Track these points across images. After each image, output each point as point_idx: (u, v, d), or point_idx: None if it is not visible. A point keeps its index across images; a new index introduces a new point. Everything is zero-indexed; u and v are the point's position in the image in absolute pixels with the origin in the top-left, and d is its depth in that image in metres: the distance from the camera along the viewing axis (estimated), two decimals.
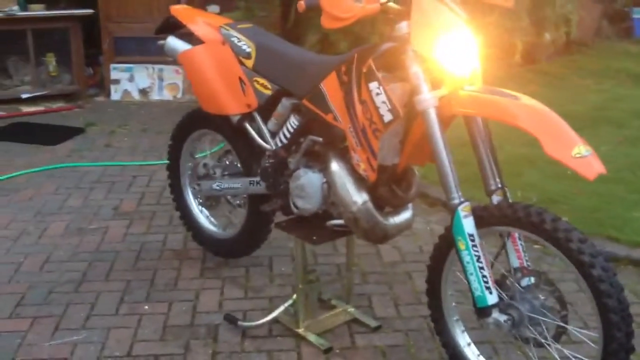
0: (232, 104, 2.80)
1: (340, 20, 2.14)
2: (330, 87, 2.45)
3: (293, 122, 2.66)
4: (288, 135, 2.69)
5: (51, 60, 6.29)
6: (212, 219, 3.31)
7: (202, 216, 3.30)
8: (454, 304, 2.43)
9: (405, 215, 2.55)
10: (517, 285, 2.22)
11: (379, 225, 2.44)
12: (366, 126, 2.30)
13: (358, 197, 2.41)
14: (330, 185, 2.50)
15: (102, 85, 6.63)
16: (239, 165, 3.00)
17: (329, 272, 3.21)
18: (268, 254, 3.35)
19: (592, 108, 5.69)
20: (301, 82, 2.58)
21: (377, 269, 3.25)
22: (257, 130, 2.82)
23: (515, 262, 2.26)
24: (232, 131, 2.90)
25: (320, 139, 2.52)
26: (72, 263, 3.31)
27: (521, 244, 2.26)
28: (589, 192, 3.93)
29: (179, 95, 6.45)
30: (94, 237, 3.58)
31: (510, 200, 2.27)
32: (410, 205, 2.57)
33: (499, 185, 2.28)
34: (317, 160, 2.60)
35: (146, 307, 2.92)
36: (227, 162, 3.11)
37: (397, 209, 2.55)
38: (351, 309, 2.85)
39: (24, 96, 6.14)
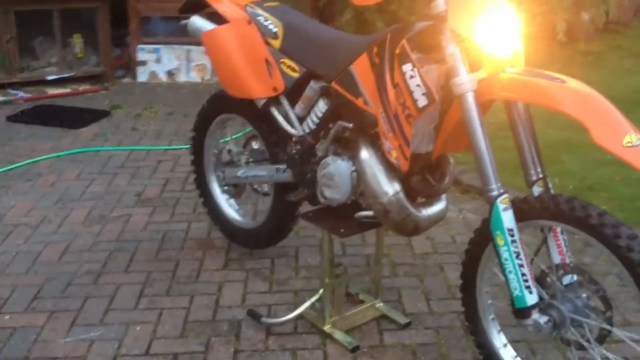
0: (257, 87, 2.65)
1: None
2: (361, 69, 2.30)
3: (321, 106, 2.51)
4: (316, 121, 2.54)
5: (78, 41, 6.18)
6: (236, 208, 3.18)
7: (227, 204, 3.17)
8: (489, 301, 2.27)
9: (438, 206, 2.40)
10: (558, 283, 2.07)
11: (410, 217, 2.29)
12: (399, 111, 2.15)
13: (389, 187, 2.26)
14: (359, 174, 2.35)
15: (129, 66, 6.53)
16: (264, 151, 2.87)
17: (357, 264, 3.07)
18: (295, 244, 3.21)
19: (633, 90, 5.44)
20: (330, 63, 2.42)
21: (408, 260, 3.10)
22: (283, 114, 2.67)
23: (556, 258, 2.10)
24: (258, 116, 2.76)
25: (350, 125, 2.36)
26: (92, 253, 3.21)
27: (563, 239, 2.10)
28: (629, 180, 3.73)
29: (207, 77, 6.32)
30: (116, 226, 3.48)
31: (552, 192, 2.11)
32: (444, 195, 2.41)
33: (541, 175, 2.12)
34: (346, 147, 2.45)
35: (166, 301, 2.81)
36: (253, 149, 2.97)
37: (430, 199, 2.40)
38: (380, 304, 2.71)
39: (50, 78, 6.05)
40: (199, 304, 2.78)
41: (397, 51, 2.12)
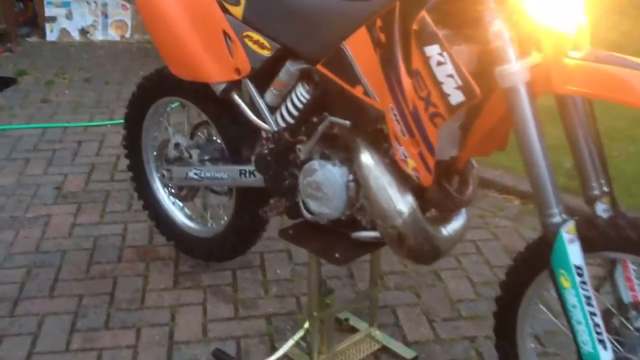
0: (213, 69, 2.06)
1: None
2: (358, 48, 1.74)
3: (302, 94, 1.95)
4: (295, 113, 1.97)
5: None
6: (188, 212, 2.60)
7: (175, 208, 2.58)
8: (532, 345, 1.80)
9: (459, 222, 1.89)
10: (631, 328, 1.61)
11: (430, 241, 1.78)
12: (419, 108, 1.61)
13: (403, 205, 1.74)
14: (359, 186, 1.83)
15: (36, 23, 5.68)
16: (223, 149, 2.28)
17: (337, 275, 2.54)
18: (258, 250, 2.66)
19: None
20: (314, 39, 1.86)
21: (397, 268, 2.60)
22: (249, 104, 2.09)
23: (627, 296, 1.63)
24: (214, 104, 2.18)
25: (346, 122, 1.81)
26: (4, 271, 2.57)
27: (634, 271, 1.63)
28: (628, 155, 3.32)
29: (127, 35, 5.57)
30: (33, 231, 2.83)
31: (624, 213, 1.63)
32: (464, 209, 1.91)
33: (606, 189, 1.64)
34: (338, 148, 1.90)
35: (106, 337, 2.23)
36: (206, 143, 2.38)
37: (449, 214, 1.89)
38: (376, 332, 2.21)
39: None
40: (148, 340, 2.22)
41: (415, 27, 1.57)
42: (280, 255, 2.66)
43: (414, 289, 2.48)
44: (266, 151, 2.05)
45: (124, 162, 2.70)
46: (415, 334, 2.25)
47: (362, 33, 1.73)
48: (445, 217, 1.87)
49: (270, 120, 2.02)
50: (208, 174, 2.28)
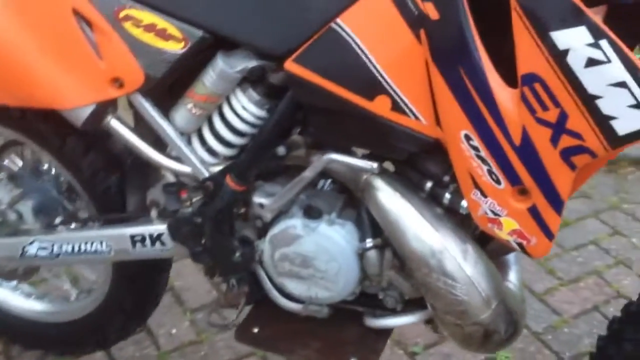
0: (62, 84, 1.13)
1: None
2: (371, 27, 0.99)
3: (249, 111, 1.12)
4: (235, 141, 1.15)
5: None
6: (32, 292, 1.64)
7: (13, 295, 1.61)
8: None
9: (515, 266, 1.25)
10: None
11: (518, 319, 1.13)
12: (539, 139, 0.91)
13: (491, 289, 1.05)
14: (384, 252, 1.11)
15: None
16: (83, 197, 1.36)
17: None
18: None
19: None
20: (276, 14, 1.03)
21: None
22: (143, 133, 1.20)
23: None
24: (73, 139, 1.25)
25: (373, 166, 1.05)
26: None
27: None
28: None
29: None
30: None
31: None
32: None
33: None
34: (339, 198, 1.14)
35: None
36: (49, 191, 1.42)
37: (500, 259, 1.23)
38: None
39: None
40: None
41: None
42: None
43: None
44: (189, 210, 1.20)
45: None
46: None
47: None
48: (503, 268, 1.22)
49: (191, 156, 1.16)
50: (66, 247, 1.35)
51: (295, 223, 1.13)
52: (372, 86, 0.99)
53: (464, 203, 1.03)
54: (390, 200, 1.06)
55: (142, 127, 1.20)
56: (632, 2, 0.89)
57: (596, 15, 0.86)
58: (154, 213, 1.26)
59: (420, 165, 1.07)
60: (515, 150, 0.93)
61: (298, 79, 1.03)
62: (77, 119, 1.15)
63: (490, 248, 1.12)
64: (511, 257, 1.25)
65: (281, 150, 1.12)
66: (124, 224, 1.31)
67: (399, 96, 0.98)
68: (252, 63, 1.07)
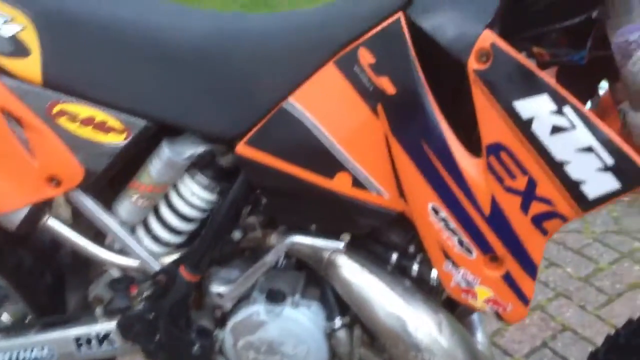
0: None
1: None
2: (324, 104, 0.96)
3: (198, 197, 1.06)
4: (184, 228, 1.09)
5: None
6: None
7: None
8: None
9: (479, 325, 1.23)
10: None
11: None
12: (509, 208, 0.90)
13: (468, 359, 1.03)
14: (353, 330, 1.08)
15: None
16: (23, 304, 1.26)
17: None
18: None
19: None
20: (226, 98, 0.99)
21: None
22: (80, 227, 1.12)
23: None
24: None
25: (338, 245, 1.01)
26: None
27: None
28: None
29: None
30: None
31: None
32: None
33: None
34: (302, 279, 1.09)
35: None
36: None
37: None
38: None
39: None
40: None
41: (477, 65, 0.85)
42: None
43: None
44: (141, 306, 1.12)
45: None
46: None
47: (327, 75, 0.93)
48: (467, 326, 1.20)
49: (139, 250, 1.09)
50: (2, 358, 1.24)
51: (258, 309, 1.08)
52: (331, 164, 0.96)
53: (434, 274, 1.01)
54: (357, 277, 1.03)
55: (82, 221, 1.12)
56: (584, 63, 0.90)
57: (550, 77, 0.87)
58: (98, 311, 1.18)
59: (383, 237, 1.05)
60: (486, 220, 0.91)
61: (251, 162, 0.99)
62: (10, 223, 1.06)
63: (458, 311, 1.11)
64: (475, 315, 1.24)
65: (237, 234, 1.07)
66: (66, 325, 1.21)
67: (359, 172, 0.95)
68: (200, 148, 1.02)
